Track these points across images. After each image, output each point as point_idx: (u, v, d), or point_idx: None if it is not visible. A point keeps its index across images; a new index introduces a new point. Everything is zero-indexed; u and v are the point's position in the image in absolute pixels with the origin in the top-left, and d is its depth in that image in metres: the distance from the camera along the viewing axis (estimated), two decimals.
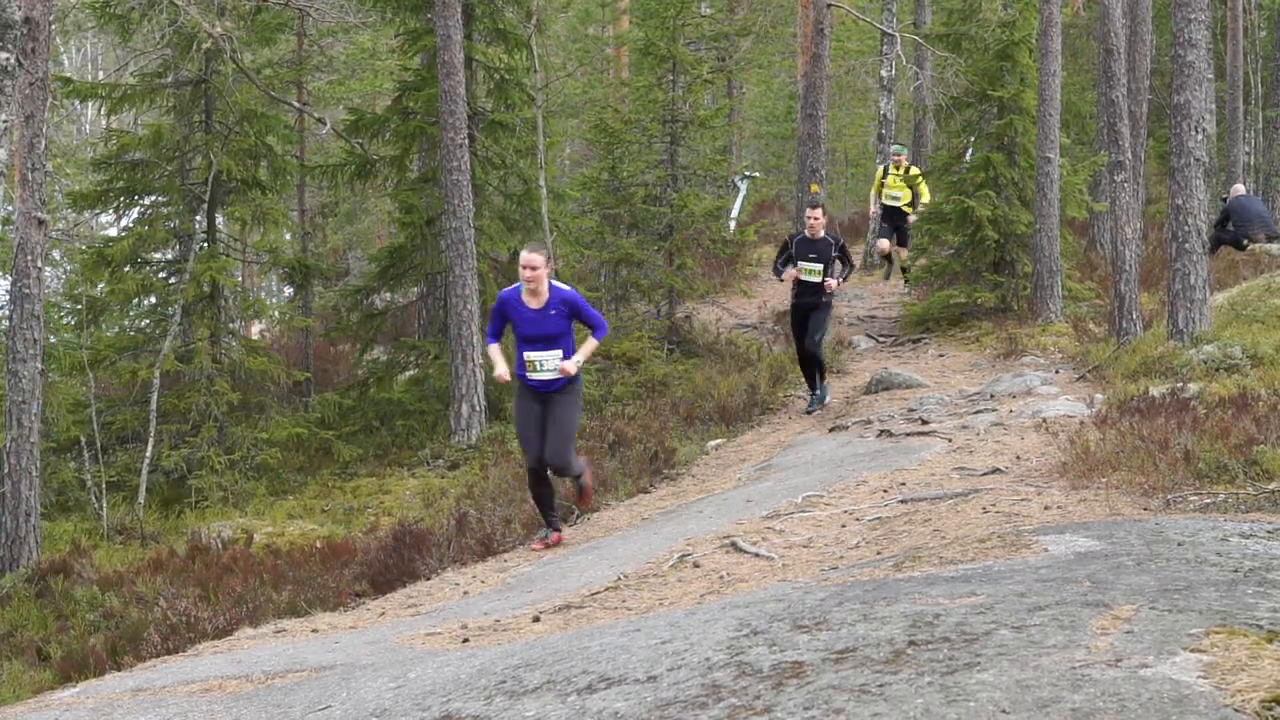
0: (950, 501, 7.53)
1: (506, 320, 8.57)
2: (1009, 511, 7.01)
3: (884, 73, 21.06)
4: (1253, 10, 26.86)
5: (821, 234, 12.43)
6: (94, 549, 11.62)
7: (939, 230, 17.44)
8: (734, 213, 19.83)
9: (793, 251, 12.60)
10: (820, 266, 12.38)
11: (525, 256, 8.37)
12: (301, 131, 18.13)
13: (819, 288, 12.46)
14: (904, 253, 18.34)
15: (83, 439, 13.69)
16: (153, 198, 15.35)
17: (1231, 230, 18.33)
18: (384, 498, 12.93)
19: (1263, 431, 7.85)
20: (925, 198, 17.80)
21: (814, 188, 16.08)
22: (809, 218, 12.58)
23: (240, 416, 14.63)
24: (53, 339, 15.17)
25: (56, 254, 20.73)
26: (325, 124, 17.36)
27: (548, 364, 8.43)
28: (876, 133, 22.00)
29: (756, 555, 6.96)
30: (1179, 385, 10.16)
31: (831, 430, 11.62)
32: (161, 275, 15.22)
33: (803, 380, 14.57)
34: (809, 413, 13.01)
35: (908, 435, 10.50)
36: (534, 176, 15.53)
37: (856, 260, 22.47)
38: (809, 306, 12.59)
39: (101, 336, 15.06)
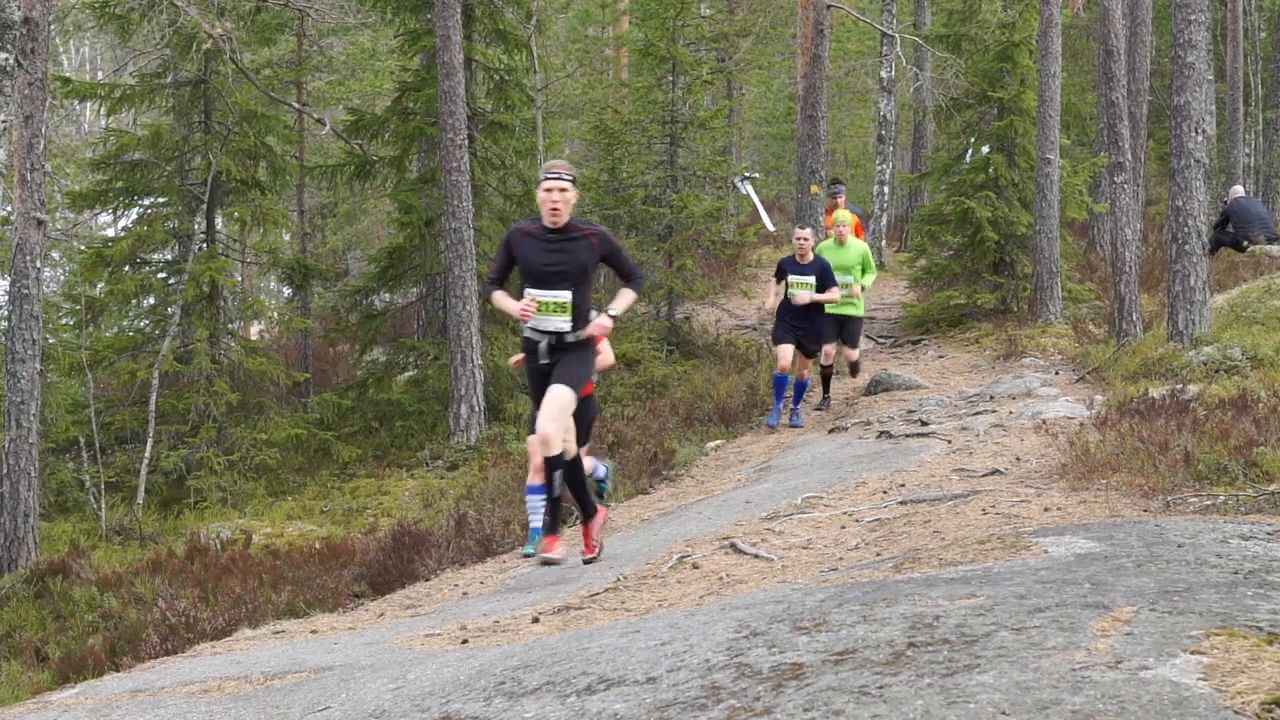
0: (950, 503, 7.52)
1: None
2: (1009, 513, 7.01)
3: (884, 74, 21.06)
4: (1253, 11, 26.87)
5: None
6: (92, 550, 11.61)
7: (939, 231, 17.44)
8: (759, 207, 19.86)
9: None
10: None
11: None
12: (301, 132, 18.13)
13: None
14: (853, 353, 13.38)
15: (81, 439, 13.69)
16: (152, 198, 15.35)
17: (1231, 232, 18.34)
18: (383, 499, 12.93)
19: (1262, 433, 7.84)
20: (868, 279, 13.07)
21: (813, 189, 16.07)
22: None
23: (239, 417, 14.63)
24: (51, 339, 15.16)
25: (55, 254, 20.72)
26: (325, 124, 17.36)
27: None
28: (876, 134, 22.01)
29: (756, 556, 6.95)
30: (1179, 387, 10.15)
31: (831, 431, 11.62)
32: (161, 276, 15.21)
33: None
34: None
35: (907, 436, 10.50)
36: (533, 177, 15.52)
37: None
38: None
39: (100, 337, 15.06)
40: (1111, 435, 8.46)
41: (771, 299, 12.16)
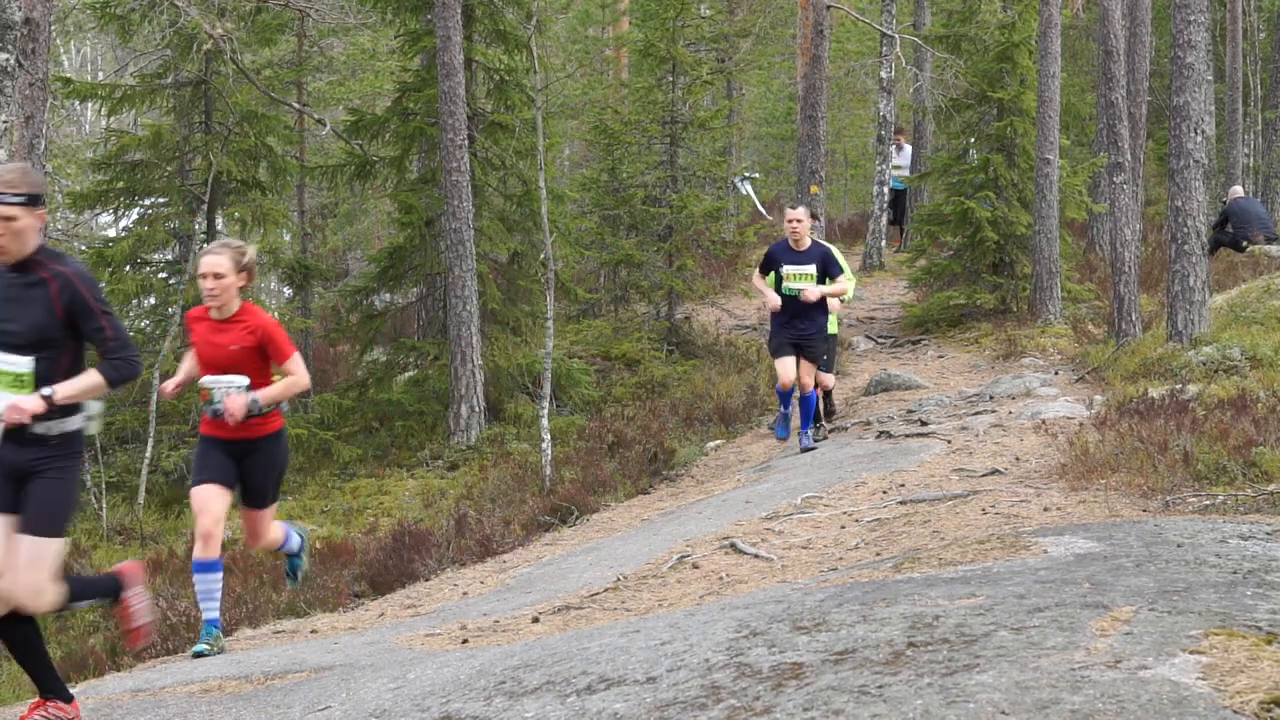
0: (949, 503, 7.53)
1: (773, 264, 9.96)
2: (1008, 513, 7.02)
3: (883, 74, 21.06)
4: (1252, 12, 26.85)
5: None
6: (93, 549, 11.61)
7: (938, 231, 17.45)
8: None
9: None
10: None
11: None
12: (301, 132, 18.13)
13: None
14: (828, 379, 11.56)
15: None
16: (152, 198, 15.34)
17: (1230, 232, 18.35)
18: (383, 498, 12.93)
19: (1261, 433, 7.85)
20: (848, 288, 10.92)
21: (814, 189, 16.07)
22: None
23: None
24: None
25: None
26: (325, 125, 17.36)
27: None
28: (876, 134, 22.02)
29: (756, 556, 6.96)
30: (1178, 387, 10.16)
31: (831, 431, 11.61)
32: (161, 276, 15.21)
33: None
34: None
35: (907, 436, 10.50)
36: (534, 177, 15.52)
37: (855, 262, 22.56)
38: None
39: None
40: (1111, 435, 8.47)
41: (774, 296, 10.15)
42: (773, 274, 10.19)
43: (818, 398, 10.71)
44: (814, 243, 10.24)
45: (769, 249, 10.40)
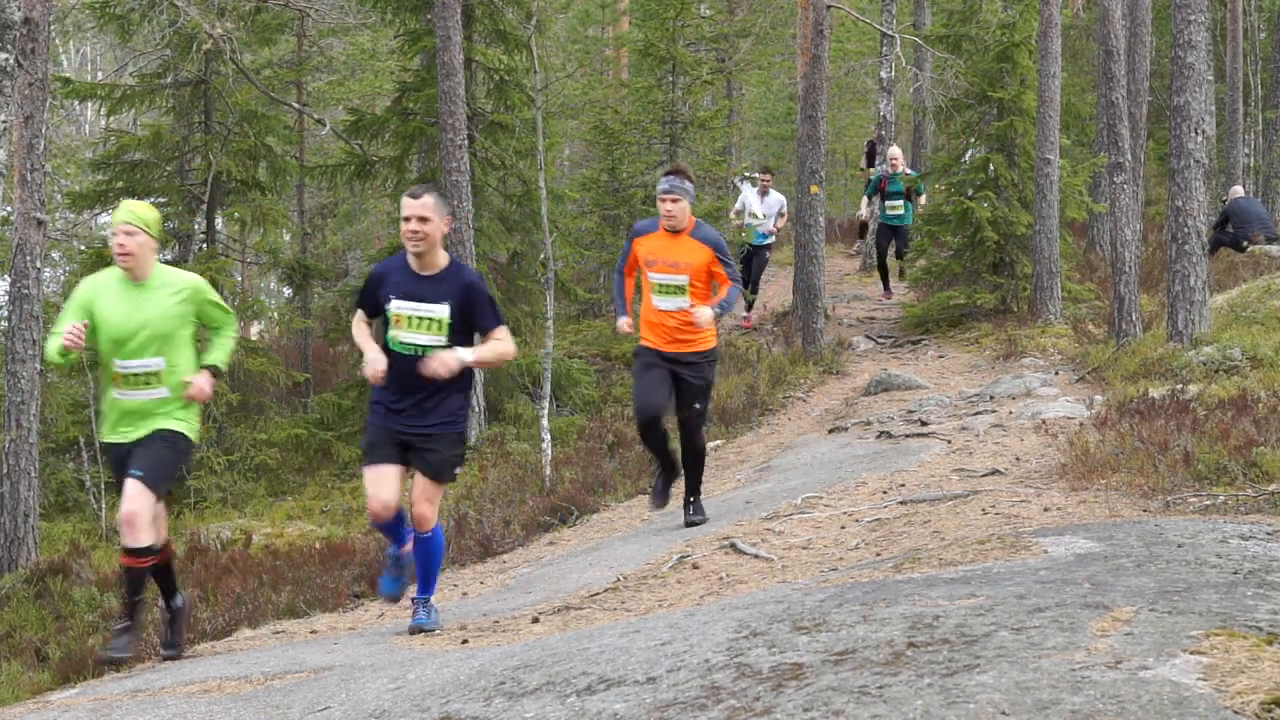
0: (950, 503, 7.53)
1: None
2: (1008, 513, 7.01)
3: (884, 74, 21.06)
4: (1252, 12, 26.86)
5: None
6: (93, 549, 11.61)
7: (938, 231, 17.44)
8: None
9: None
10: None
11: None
12: (301, 132, 18.14)
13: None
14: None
15: (82, 439, 13.69)
16: (152, 198, 15.34)
17: (1231, 232, 18.35)
18: None
19: (1262, 433, 7.85)
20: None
21: (813, 189, 16.06)
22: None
23: (239, 417, 14.63)
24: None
25: (56, 254, 20.71)
26: (325, 125, 17.36)
27: None
28: (875, 134, 22.02)
29: (756, 556, 6.95)
30: (1178, 387, 10.16)
31: (831, 432, 11.62)
32: None
33: (803, 380, 14.52)
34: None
35: (907, 437, 10.50)
36: (533, 177, 15.53)
37: (856, 262, 22.57)
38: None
39: None
40: (1111, 435, 8.46)
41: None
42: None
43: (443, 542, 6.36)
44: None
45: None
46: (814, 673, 3.19)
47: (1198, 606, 3.49)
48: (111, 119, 19.44)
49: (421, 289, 6.03)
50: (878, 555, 6.42)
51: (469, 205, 14.05)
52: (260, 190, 15.42)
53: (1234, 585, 3.83)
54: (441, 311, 5.99)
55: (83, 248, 17.00)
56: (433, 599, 6.34)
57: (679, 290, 7.50)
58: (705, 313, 7.44)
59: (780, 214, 16.71)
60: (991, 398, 11.90)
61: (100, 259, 14.74)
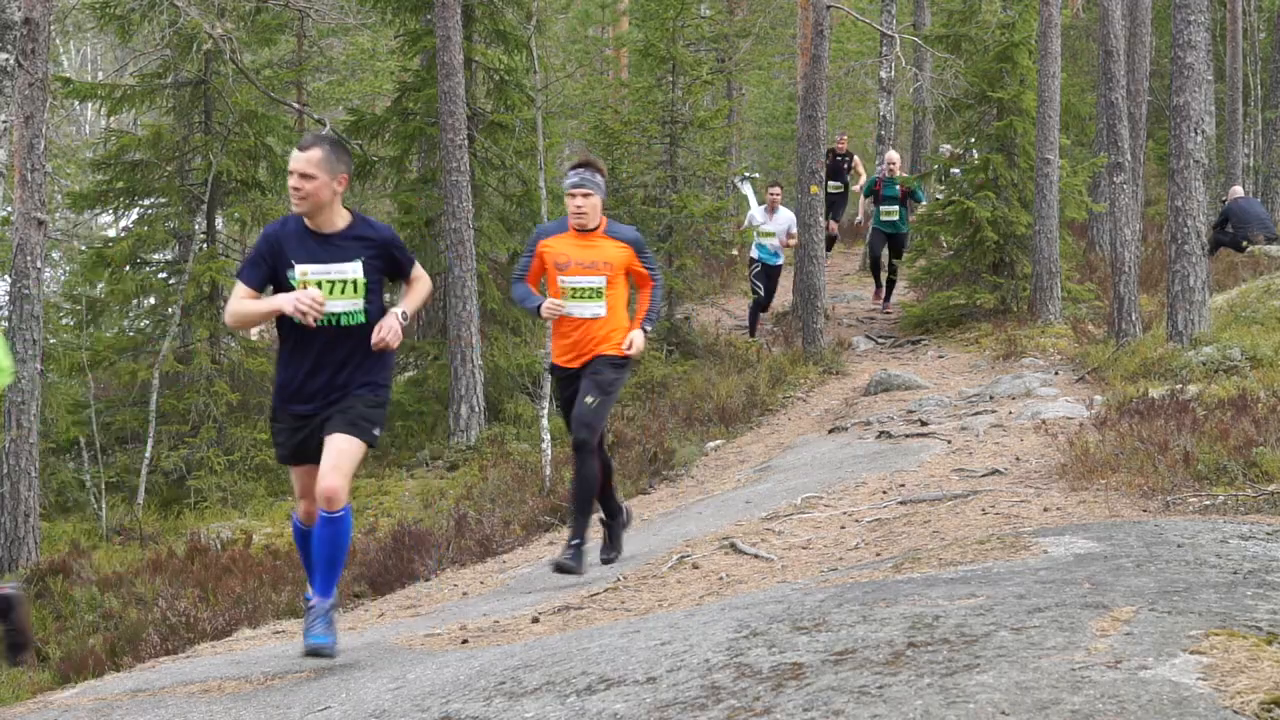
0: (950, 503, 7.53)
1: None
2: (1008, 513, 7.01)
3: (883, 74, 21.06)
4: (1252, 12, 26.86)
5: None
6: (93, 550, 11.62)
7: (938, 231, 17.44)
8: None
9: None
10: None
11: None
12: (301, 132, 18.13)
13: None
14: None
15: (82, 440, 13.68)
16: (152, 198, 15.34)
17: (1230, 232, 18.35)
18: (383, 498, 12.93)
19: (1262, 433, 7.85)
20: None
21: (813, 189, 16.06)
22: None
23: (239, 417, 14.62)
24: (52, 340, 15.16)
25: (56, 254, 20.73)
26: (325, 125, 17.36)
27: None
28: (875, 134, 22.01)
29: (756, 556, 6.95)
30: (1178, 387, 10.16)
31: (831, 431, 11.62)
32: (161, 276, 15.21)
33: (802, 380, 14.52)
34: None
35: (907, 436, 10.50)
36: (534, 177, 15.53)
37: (855, 261, 22.57)
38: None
39: (101, 337, 15.05)
40: (1111, 435, 8.47)
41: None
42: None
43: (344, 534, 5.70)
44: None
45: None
46: (814, 672, 3.19)
47: (1197, 606, 3.49)
48: (112, 119, 19.44)
49: (328, 251, 5.28)
50: (878, 555, 6.42)
51: (469, 205, 14.06)
52: (260, 190, 15.42)
53: (1234, 585, 3.83)
54: (355, 271, 5.20)
55: (83, 248, 17.01)
56: (329, 602, 5.23)
57: (595, 294, 6.88)
58: (638, 338, 6.95)
59: (790, 233, 16.47)
60: (991, 398, 11.90)
61: (100, 259, 14.75)
